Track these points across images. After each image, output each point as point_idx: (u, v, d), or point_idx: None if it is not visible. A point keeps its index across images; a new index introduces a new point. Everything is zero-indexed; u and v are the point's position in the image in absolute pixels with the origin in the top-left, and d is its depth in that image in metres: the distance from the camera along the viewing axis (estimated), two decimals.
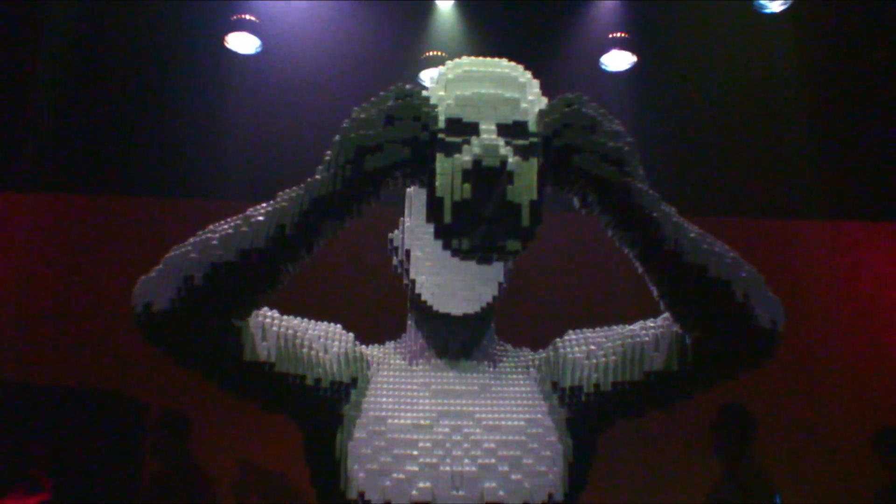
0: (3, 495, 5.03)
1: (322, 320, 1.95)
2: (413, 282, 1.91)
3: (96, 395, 5.68)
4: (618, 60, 5.56)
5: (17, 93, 5.53)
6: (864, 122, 5.75)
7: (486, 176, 1.55)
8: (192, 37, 5.27)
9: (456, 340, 1.90)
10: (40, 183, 6.11)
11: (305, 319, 1.89)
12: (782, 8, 5.18)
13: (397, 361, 1.92)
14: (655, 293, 1.68)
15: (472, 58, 1.75)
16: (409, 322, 1.98)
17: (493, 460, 1.74)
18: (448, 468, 1.73)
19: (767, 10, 5.22)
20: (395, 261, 2.02)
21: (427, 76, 5.28)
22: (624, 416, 1.88)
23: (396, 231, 2.02)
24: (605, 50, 5.52)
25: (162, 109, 5.58)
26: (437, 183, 1.57)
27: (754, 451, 4.79)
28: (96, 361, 5.87)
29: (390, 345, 2.00)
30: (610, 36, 5.48)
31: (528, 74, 1.74)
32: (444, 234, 1.58)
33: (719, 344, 1.65)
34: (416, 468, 1.72)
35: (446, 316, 1.88)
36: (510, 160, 1.57)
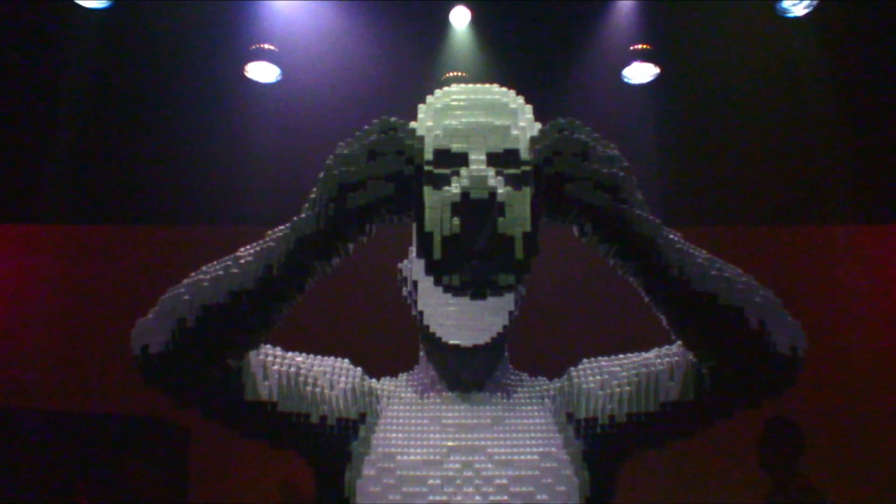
0: None
1: (334, 353, 1.91)
2: (421, 313, 1.86)
3: (136, 422, 5.72)
4: (640, 72, 5.49)
5: (40, 126, 5.61)
6: (894, 124, 5.62)
7: (476, 208, 1.49)
8: (212, 67, 5.31)
9: (467, 372, 1.84)
10: (67, 214, 6.18)
11: (311, 355, 1.85)
12: (806, 11, 5.08)
13: (408, 395, 1.87)
14: (664, 323, 1.62)
15: (462, 85, 1.70)
16: (420, 353, 1.93)
17: (505, 497, 1.68)
18: None
19: (791, 14, 5.14)
20: (404, 291, 1.98)
21: None
22: (642, 447, 1.81)
23: (406, 260, 1.98)
24: (626, 62, 5.46)
25: (183, 139, 5.63)
26: (425, 217, 1.53)
27: (803, 464, 4.67)
28: (135, 388, 5.91)
29: (402, 377, 1.95)
30: (632, 48, 5.43)
31: (520, 100, 1.69)
32: (435, 271, 1.53)
33: (736, 373, 1.58)
34: None
35: (456, 347, 1.82)
36: (500, 191, 1.50)
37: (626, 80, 5.53)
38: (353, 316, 5.61)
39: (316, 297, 1.71)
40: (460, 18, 5.35)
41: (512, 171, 1.56)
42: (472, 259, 1.50)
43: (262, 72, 5.38)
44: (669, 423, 1.73)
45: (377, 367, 1.98)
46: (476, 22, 5.34)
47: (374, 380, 1.91)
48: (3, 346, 6.37)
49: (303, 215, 1.57)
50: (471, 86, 1.69)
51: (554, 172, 1.51)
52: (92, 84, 5.34)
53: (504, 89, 1.69)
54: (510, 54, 5.34)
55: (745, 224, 6.31)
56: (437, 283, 1.54)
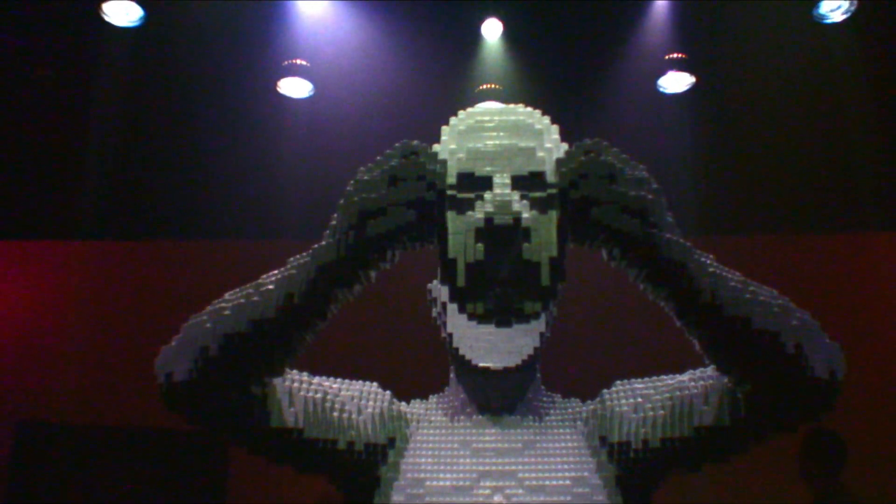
0: None
1: (364, 375, 1.89)
2: (451, 335, 1.82)
3: (177, 435, 5.75)
4: (676, 82, 5.44)
5: (72, 143, 5.67)
6: None
7: (500, 234, 1.46)
8: (244, 83, 5.35)
9: (498, 395, 1.80)
10: (98, 231, 6.25)
11: (339, 379, 1.83)
12: (844, 17, 5.00)
13: (438, 418, 1.84)
14: (697, 347, 1.58)
15: (486, 106, 1.68)
16: (450, 375, 1.89)
17: None
18: None
19: (829, 21, 5.05)
20: (433, 312, 1.95)
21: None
22: (676, 471, 1.76)
23: (435, 281, 1.95)
24: (662, 72, 5.40)
25: (216, 154, 5.67)
26: (448, 243, 1.50)
27: (846, 476, 4.55)
28: None
29: (433, 399, 1.91)
30: (667, 57, 5.37)
31: (546, 120, 1.65)
32: (459, 298, 1.50)
33: (773, 398, 1.54)
34: None
35: (486, 370, 1.77)
36: (525, 215, 1.47)
37: (661, 89, 5.47)
38: (382, 337, 5.59)
39: (345, 318, 1.69)
40: (492, 31, 5.33)
41: (537, 194, 1.53)
42: (496, 286, 1.48)
43: (294, 87, 5.41)
44: (704, 447, 1.69)
45: (408, 388, 1.95)
46: (508, 34, 5.31)
47: (403, 403, 1.89)
48: (37, 360, 6.45)
49: (323, 242, 1.55)
50: (495, 106, 1.67)
51: (580, 196, 1.48)
52: (124, 102, 5.39)
53: (529, 109, 1.66)
54: (543, 66, 5.31)
55: (782, 233, 6.21)
56: (462, 310, 1.51)
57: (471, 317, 1.52)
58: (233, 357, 1.53)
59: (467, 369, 1.81)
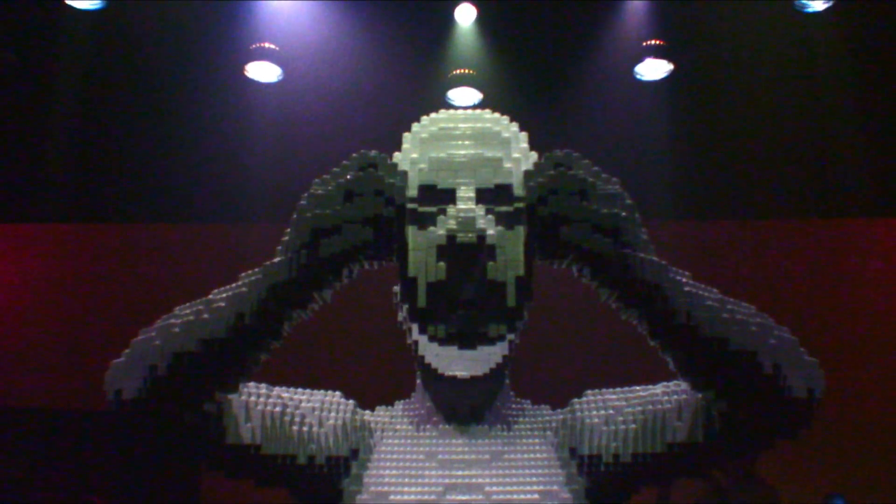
0: None
1: (329, 381, 1.82)
2: (416, 342, 1.76)
3: None
4: (653, 69, 5.39)
5: (38, 126, 5.58)
6: None
7: (463, 252, 1.39)
8: (211, 67, 5.25)
9: (465, 404, 1.73)
10: (64, 213, 6.18)
11: (299, 390, 1.75)
12: (825, 6, 4.98)
13: (404, 427, 1.77)
14: (672, 366, 1.52)
15: (450, 112, 1.59)
16: (417, 382, 1.82)
17: None
18: None
19: (810, 10, 5.04)
20: (399, 316, 1.88)
21: (455, 95, 5.18)
22: (647, 484, 1.72)
23: None
24: (639, 59, 5.35)
25: (182, 138, 5.59)
26: (409, 261, 1.42)
27: (761, 463, 4.53)
28: None
29: (399, 406, 1.84)
30: (644, 44, 5.32)
31: (514, 127, 1.58)
32: (419, 319, 1.43)
33: (749, 416, 1.49)
34: None
35: (453, 378, 1.71)
36: (490, 232, 1.40)
37: (638, 76, 5.42)
38: (348, 340, 5.52)
39: (309, 321, 1.62)
40: (465, 15, 5.25)
41: (504, 208, 1.46)
42: (459, 307, 1.41)
43: (262, 71, 5.32)
44: (676, 463, 1.64)
45: (374, 393, 1.89)
46: (482, 19, 5.23)
47: (367, 412, 1.82)
48: (4, 344, 6.36)
49: (275, 259, 1.47)
50: (460, 112, 1.59)
51: (549, 213, 1.41)
52: (89, 85, 5.31)
53: (496, 115, 1.58)
54: (518, 51, 5.25)
55: (760, 219, 6.21)
56: (422, 332, 1.45)
57: (432, 339, 1.45)
58: (182, 376, 1.46)
59: (434, 377, 1.73)
